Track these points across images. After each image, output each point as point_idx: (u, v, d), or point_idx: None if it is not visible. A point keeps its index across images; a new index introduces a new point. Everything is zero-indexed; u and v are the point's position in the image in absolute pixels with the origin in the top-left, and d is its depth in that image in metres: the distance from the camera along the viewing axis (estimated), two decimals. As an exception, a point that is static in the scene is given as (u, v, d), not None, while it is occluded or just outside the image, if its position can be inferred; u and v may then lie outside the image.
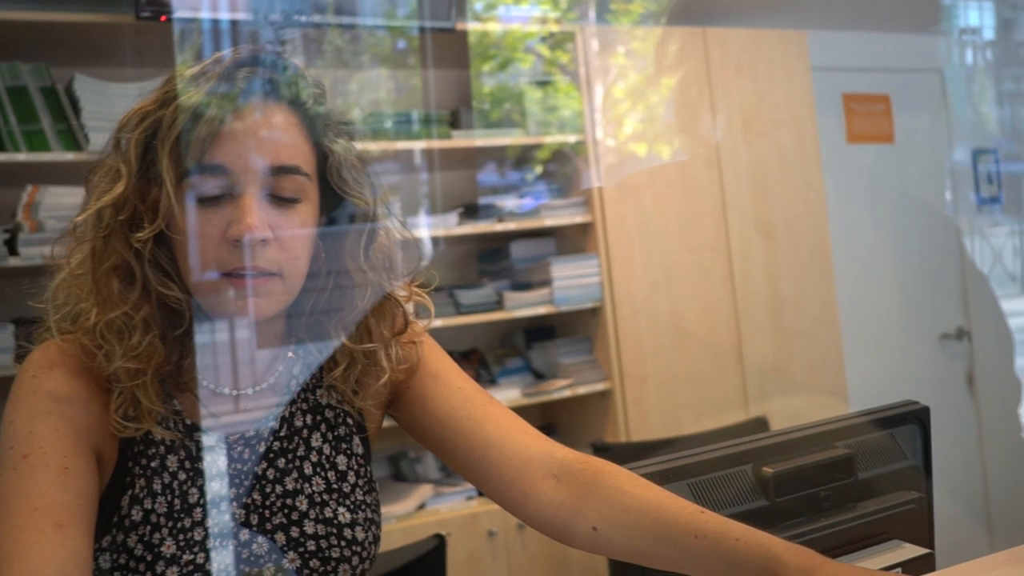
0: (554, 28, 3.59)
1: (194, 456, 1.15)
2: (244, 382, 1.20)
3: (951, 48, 4.61)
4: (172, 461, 1.14)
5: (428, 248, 1.31)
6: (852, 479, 1.25)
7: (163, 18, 2.80)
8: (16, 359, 1.15)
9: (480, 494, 3.30)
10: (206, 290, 1.09)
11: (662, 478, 1.16)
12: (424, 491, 3.28)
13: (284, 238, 1.10)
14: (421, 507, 3.25)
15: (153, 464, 1.13)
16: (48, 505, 1.02)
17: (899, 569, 1.16)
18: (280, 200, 1.11)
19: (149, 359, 1.09)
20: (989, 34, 4.68)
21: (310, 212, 1.14)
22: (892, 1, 4.23)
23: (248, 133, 1.09)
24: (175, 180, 1.07)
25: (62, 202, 2.81)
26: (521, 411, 1.28)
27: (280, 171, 1.10)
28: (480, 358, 3.62)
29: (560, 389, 3.46)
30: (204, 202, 1.08)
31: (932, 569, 1.19)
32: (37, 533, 1.00)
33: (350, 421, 1.26)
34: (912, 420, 1.34)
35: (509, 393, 3.39)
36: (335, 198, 1.18)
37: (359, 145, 1.22)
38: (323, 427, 1.24)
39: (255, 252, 1.07)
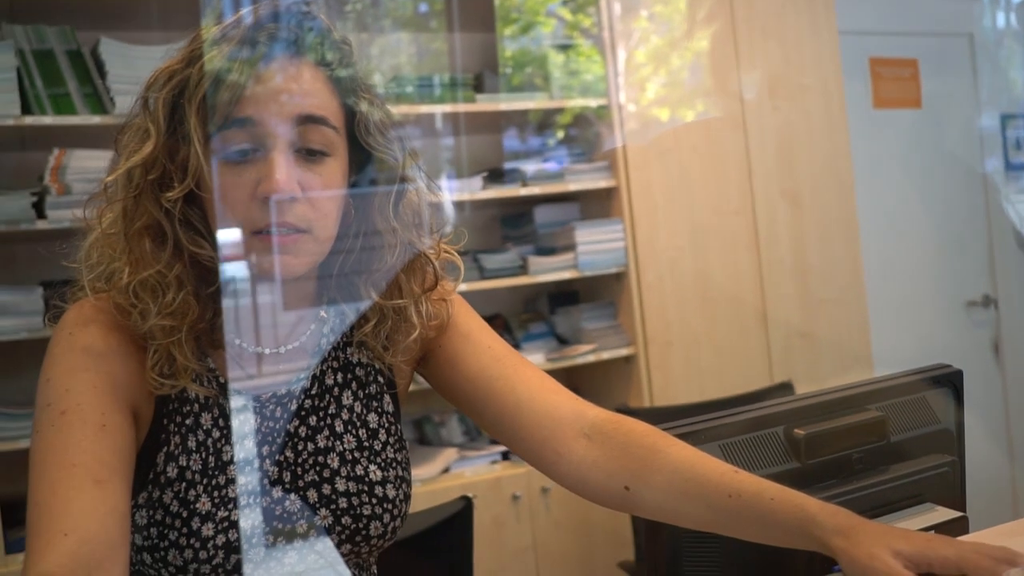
0: (578, -9, 3.56)
1: (228, 414, 1.16)
2: (276, 341, 1.20)
3: (982, 11, 4.54)
4: (206, 419, 1.15)
5: (452, 210, 1.30)
6: (884, 442, 1.24)
7: (188, -20, 2.79)
8: (51, 319, 1.16)
9: (505, 457, 3.32)
10: (238, 249, 1.09)
11: (694, 439, 1.16)
12: (448, 455, 3.30)
13: (313, 195, 1.10)
14: (445, 471, 3.26)
15: (188, 421, 1.14)
16: (87, 462, 1.02)
17: (933, 532, 1.16)
18: (309, 156, 1.10)
19: (184, 316, 1.09)
20: (1018, -2, 4.61)
21: (339, 168, 1.14)
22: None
23: (275, 89, 1.09)
24: (203, 138, 1.07)
25: (89, 165, 2.81)
26: (545, 372, 1.28)
27: (307, 121, 1.09)
28: (504, 323, 3.63)
29: (584, 354, 3.46)
30: (233, 160, 1.08)
31: (966, 532, 1.19)
32: (76, 489, 1.00)
33: (380, 379, 1.26)
34: (945, 383, 1.34)
35: (533, 358, 3.39)
36: (364, 155, 1.18)
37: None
38: (354, 385, 1.25)
39: (284, 209, 1.07)
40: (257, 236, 1.08)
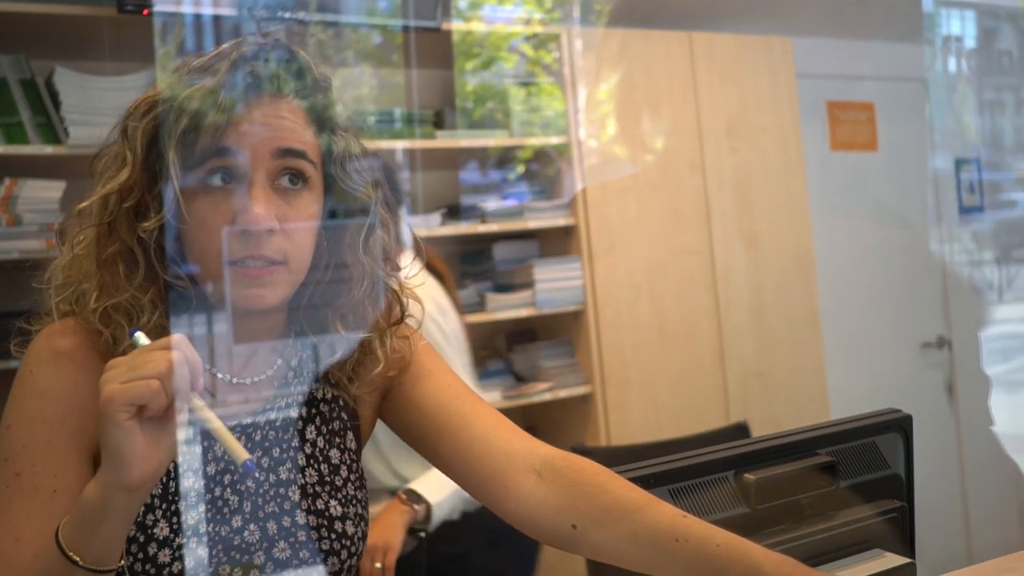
0: (538, 29, 3.58)
1: (191, 439, 1.15)
2: (244, 371, 1.20)
3: (935, 57, 4.63)
4: None
5: (422, 246, 1.33)
6: (834, 487, 1.24)
7: (145, 12, 2.77)
8: (17, 346, 1.15)
9: (459, 496, 3.28)
10: (212, 279, 1.10)
11: (643, 483, 1.15)
12: (402, 493, 3.26)
13: (290, 227, 1.11)
14: (399, 509, 3.22)
15: None
16: (30, 536, 1.03)
17: (880, 579, 1.15)
18: (286, 189, 1.12)
19: (159, 335, 1.09)
20: (971, 43, 4.71)
21: (314, 201, 1.15)
22: (877, 9, 4.24)
23: (254, 123, 1.10)
24: (181, 170, 1.07)
25: (40, 195, 2.78)
26: (501, 414, 1.28)
27: (286, 154, 1.11)
28: (461, 359, 3.61)
29: (541, 392, 3.45)
30: (210, 191, 1.09)
31: (914, 578, 1.19)
32: (16, 566, 1.02)
33: (344, 416, 1.27)
34: (894, 428, 1.34)
35: (490, 395, 3.37)
36: (337, 189, 1.19)
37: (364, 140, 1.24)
38: (317, 420, 1.25)
39: (261, 242, 1.08)
40: (232, 267, 1.08)
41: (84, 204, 1.13)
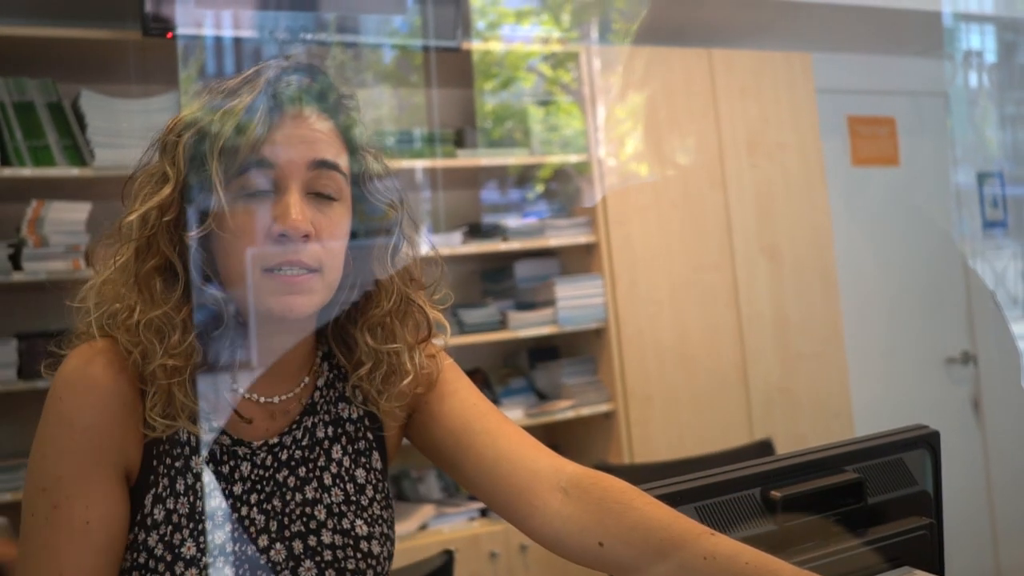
0: (557, 48, 3.60)
1: (218, 459, 1.17)
2: (272, 389, 1.21)
3: (956, 71, 4.61)
4: (196, 462, 1.15)
5: (446, 268, 1.33)
6: (861, 504, 1.23)
7: (169, 35, 2.80)
8: (48, 368, 1.16)
9: (483, 514, 3.29)
10: (248, 287, 1.11)
11: (669, 501, 1.15)
12: (426, 511, 3.26)
13: (324, 236, 1.14)
14: (423, 527, 3.23)
15: (178, 464, 1.14)
16: (70, 571, 1.06)
17: (909, 596, 1.15)
18: (320, 199, 1.14)
19: (188, 358, 1.11)
20: (991, 58, 4.69)
21: (346, 214, 1.18)
22: (896, 24, 4.24)
23: (291, 135, 1.13)
24: (224, 181, 1.10)
25: (67, 217, 2.81)
26: (527, 432, 1.28)
27: (321, 166, 1.14)
28: (483, 378, 3.61)
29: (563, 410, 3.44)
30: (248, 201, 1.11)
31: (943, 596, 1.18)
32: None
33: (370, 436, 1.27)
34: (922, 444, 1.33)
35: (512, 413, 3.38)
36: (365, 205, 1.21)
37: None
38: (343, 440, 1.25)
39: (297, 248, 1.10)
40: (269, 274, 1.10)
41: (128, 219, 1.14)
